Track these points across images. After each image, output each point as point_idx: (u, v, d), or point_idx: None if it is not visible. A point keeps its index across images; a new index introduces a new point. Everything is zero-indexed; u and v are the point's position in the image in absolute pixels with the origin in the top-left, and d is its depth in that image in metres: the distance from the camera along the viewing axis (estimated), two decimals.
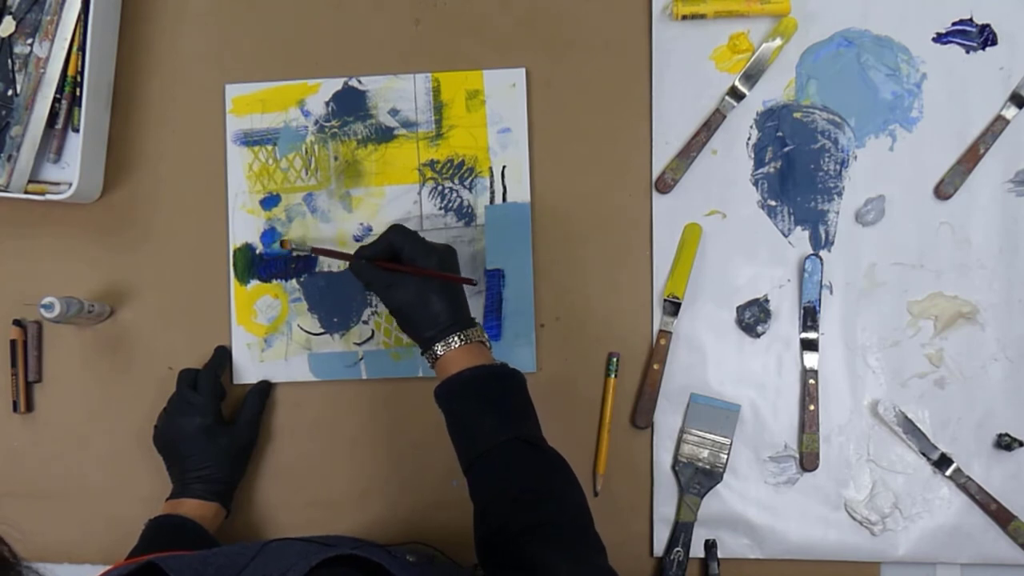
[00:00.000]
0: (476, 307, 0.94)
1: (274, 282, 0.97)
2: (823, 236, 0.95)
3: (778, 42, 0.95)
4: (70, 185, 0.92)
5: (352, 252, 0.84)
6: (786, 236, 0.95)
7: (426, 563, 0.79)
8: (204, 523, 0.87)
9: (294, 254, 0.96)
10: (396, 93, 0.97)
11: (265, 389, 0.96)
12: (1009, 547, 0.93)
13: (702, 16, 0.95)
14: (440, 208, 0.97)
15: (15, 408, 0.98)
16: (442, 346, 0.80)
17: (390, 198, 0.97)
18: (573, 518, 0.74)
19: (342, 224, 0.97)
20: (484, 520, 0.75)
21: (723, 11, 0.95)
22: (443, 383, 0.80)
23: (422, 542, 0.91)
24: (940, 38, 0.95)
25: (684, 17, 0.95)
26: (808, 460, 0.93)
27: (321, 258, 0.97)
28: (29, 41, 0.95)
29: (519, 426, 0.78)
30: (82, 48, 0.94)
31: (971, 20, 0.94)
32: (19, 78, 0.95)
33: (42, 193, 0.94)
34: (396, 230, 0.84)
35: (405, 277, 0.82)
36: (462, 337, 0.80)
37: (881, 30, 0.95)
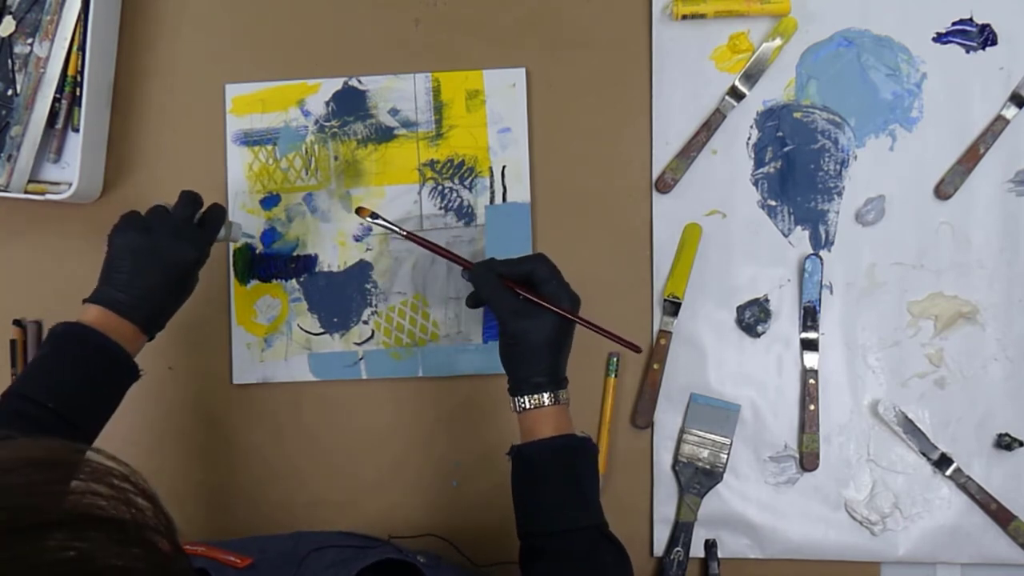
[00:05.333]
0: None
1: (274, 282, 0.97)
2: (823, 236, 0.95)
3: (778, 42, 0.95)
4: (70, 185, 0.92)
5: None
6: (786, 236, 0.95)
7: (435, 562, 0.79)
8: (113, 335, 0.77)
9: (370, 222, 0.87)
10: (396, 93, 0.97)
11: (217, 214, 0.86)
12: (1009, 547, 0.93)
13: (702, 16, 0.95)
14: (440, 208, 0.97)
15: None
16: (538, 398, 0.76)
17: (390, 198, 0.97)
18: None
19: (342, 224, 0.97)
20: None
21: (723, 11, 0.95)
22: (531, 444, 0.76)
23: (434, 534, 0.91)
24: (940, 38, 0.95)
25: (684, 17, 0.95)
26: (808, 460, 0.93)
27: (321, 257, 0.97)
28: (29, 41, 0.95)
29: (597, 513, 0.75)
30: (82, 48, 0.94)
31: (971, 20, 0.94)
32: (19, 78, 0.95)
33: (42, 193, 0.94)
34: (542, 260, 0.79)
35: (538, 311, 0.77)
36: (557, 397, 0.77)
37: (881, 30, 0.95)
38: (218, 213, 0.87)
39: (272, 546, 0.73)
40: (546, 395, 0.76)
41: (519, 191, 0.96)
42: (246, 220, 0.97)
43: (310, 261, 0.97)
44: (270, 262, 0.98)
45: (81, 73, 0.94)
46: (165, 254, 0.79)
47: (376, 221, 0.85)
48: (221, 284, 0.97)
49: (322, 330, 0.97)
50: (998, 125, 0.93)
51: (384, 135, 0.97)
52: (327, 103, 0.98)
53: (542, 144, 0.97)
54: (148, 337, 0.81)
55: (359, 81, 0.98)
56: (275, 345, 0.97)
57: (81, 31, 0.95)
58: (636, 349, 0.82)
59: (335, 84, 0.98)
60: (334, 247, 0.97)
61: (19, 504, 0.37)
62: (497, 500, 0.90)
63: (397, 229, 0.84)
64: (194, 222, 0.84)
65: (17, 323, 0.98)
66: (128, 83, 0.99)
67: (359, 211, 0.85)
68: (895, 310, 0.94)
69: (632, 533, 0.95)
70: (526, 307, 0.77)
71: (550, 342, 0.76)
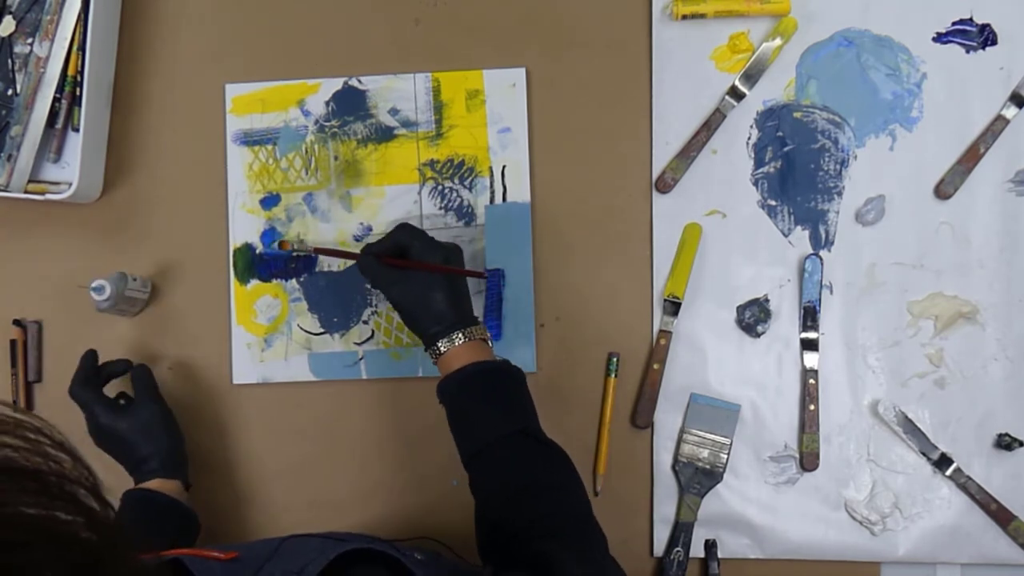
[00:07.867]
0: (476, 307, 0.94)
1: (274, 282, 0.97)
2: (823, 236, 0.95)
3: (778, 42, 0.95)
4: (70, 185, 0.92)
5: (355, 251, 0.85)
6: (786, 236, 0.95)
7: (433, 559, 0.79)
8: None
9: (295, 255, 0.96)
10: (396, 93, 0.97)
11: (143, 374, 0.92)
12: (1009, 547, 0.93)
13: (702, 16, 0.95)
14: (440, 208, 0.97)
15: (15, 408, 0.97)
16: (445, 343, 0.80)
17: (390, 198, 0.97)
18: (576, 511, 0.75)
19: (342, 224, 0.97)
20: (486, 514, 0.76)
21: (723, 11, 0.95)
22: (446, 378, 0.80)
23: (429, 537, 0.91)
24: (940, 38, 0.95)
25: (684, 17, 0.95)
26: (808, 460, 0.93)
27: (321, 257, 0.97)
28: (29, 41, 0.95)
29: (521, 420, 0.79)
30: (82, 48, 0.94)
31: (971, 20, 0.94)
32: (19, 78, 0.95)
33: (42, 193, 0.94)
34: (403, 228, 0.85)
35: (410, 274, 0.82)
36: (465, 334, 0.81)
37: (881, 30, 0.95)
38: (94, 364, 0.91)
39: (261, 545, 0.73)
40: (456, 334, 0.80)
41: (519, 191, 0.96)
42: (246, 220, 0.97)
43: (310, 261, 0.97)
44: (270, 262, 0.98)
45: (81, 73, 0.94)
46: (103, 434, 0.88)
47: (294, 252, 0.91)
48: (221, 284, 0.97)
49: (322, 330, 0.97)
50: (998, 125, 0.93)
51: (384, 135, 0.97)
52: (327, 103, 0.98)
53: (542, 144, 0.97)
54: (184, 484, 0.89)
55: (359, 81, 0.98)
56: (275, 345, 0.97)
57: (81, 31, 0.95)
58: (482, 276, 0.90)
59: (335, 84, 0.98)
60: (334, 247, 0.97)
61: None
62: None
63: (311, 251, 0.88)
64: (99, 393, 0.89)
65: (17, 323, 0.98)
66: (128, 83, 0.99)
67: (281, 245, 0.87)
68: (895, 310, 0.94)
69: (632, 533, 0.95)
70: (398, 274, 0.82)
71: (426, 294, 0.81)
